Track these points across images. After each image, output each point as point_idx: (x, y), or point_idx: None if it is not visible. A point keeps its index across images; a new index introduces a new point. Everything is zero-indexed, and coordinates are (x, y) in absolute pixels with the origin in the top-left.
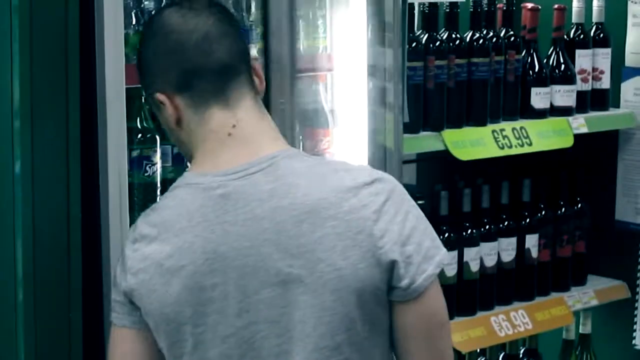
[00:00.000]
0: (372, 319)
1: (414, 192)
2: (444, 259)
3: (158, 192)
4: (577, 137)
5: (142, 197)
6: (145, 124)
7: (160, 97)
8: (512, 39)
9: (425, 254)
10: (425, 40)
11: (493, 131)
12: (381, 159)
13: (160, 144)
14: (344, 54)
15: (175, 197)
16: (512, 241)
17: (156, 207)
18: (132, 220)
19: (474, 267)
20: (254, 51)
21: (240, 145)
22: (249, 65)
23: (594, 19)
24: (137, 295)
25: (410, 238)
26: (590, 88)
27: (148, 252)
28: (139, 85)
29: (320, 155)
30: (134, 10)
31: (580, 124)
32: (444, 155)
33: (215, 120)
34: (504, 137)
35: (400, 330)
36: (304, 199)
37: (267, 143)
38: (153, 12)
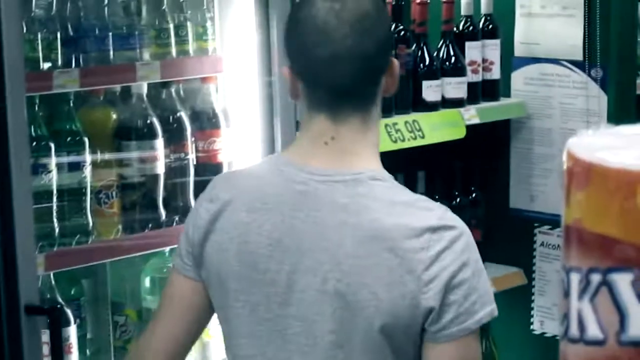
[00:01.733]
0: (399, 352)
1: None
2: (487, 316)
3: (54, 199)
4: (470, 128)
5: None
6: (39, 132)
7: (285, 71)
8: (402, 33)
9: (468, 308)
10: None
11: (386, 125)
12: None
13: (56, 152)
14: (234, 55)
15: (259, 172)
16: None
17: (238, 173)
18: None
19: None
20: (146, 55)
21: (333, 153)
22: (376, 81)
23: (483, 11)
24: (202, 251)
25: (456, 289)
26: (480, 79)
27: (218, 215)
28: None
29: (385, 180)
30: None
31: (471, 115)
32: None
33: (317, 125)
34: (397, 130)
35: None
36: (370, 224)
37: (359, 158)
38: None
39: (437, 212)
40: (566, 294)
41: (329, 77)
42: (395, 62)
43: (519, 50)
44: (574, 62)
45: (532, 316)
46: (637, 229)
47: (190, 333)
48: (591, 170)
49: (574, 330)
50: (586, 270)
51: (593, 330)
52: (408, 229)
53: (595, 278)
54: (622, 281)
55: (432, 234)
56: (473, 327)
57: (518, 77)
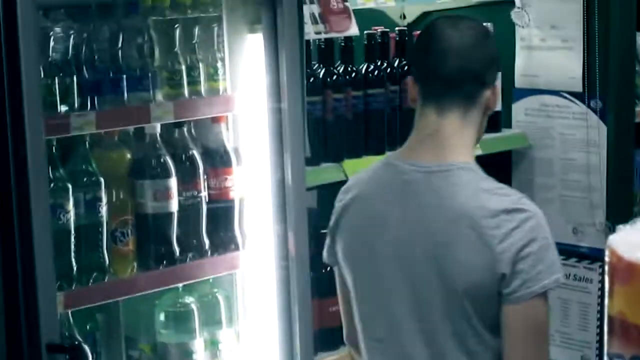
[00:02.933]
0: (482, 311)
1: (318, 221)
2: (551, 283)
3: (72, 238)
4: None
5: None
6: (57, 174)
7: (409, 78)
8: (406, 67)
9: (534, 276)
10: (323, 74)
11: None
12: (283, 194)
13: (73, 193)
14: (244, 94)
15: (375, 169)
16: None
17: (364, 170)
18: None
19: None
20: (159, 96)
21: (434, 147)
22: (478, 85)
23: None
24: (335, 236)
25: (524, 260)
26: None
27: (346, 203)
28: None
29: (472, 170)
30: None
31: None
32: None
33: (425, 119)
34: None
35: (504, 329)
36: (458, 206)
37: (455, 152)
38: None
39: (513, 198)
40: None
41: (440, 71)
42: (498, 87)
43: (519, 82)
44: (573, 94)
45: None
46: None
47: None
48: (633, 269)
49: None
50: (629, 358)
51: None
52: (486, 211)
53: None
54: None
55: (506, 215)
56: (538, 291)
57: (519, 109)
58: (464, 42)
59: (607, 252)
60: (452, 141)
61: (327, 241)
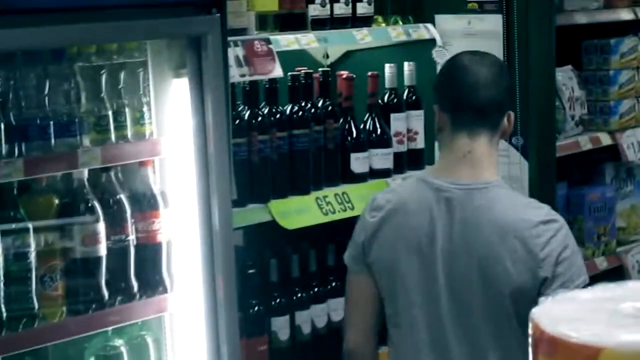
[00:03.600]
0: (520, 314)
1: (246, 261)
2: (582, 283)
3: (1, 285)
4: None
5: None
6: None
7: (435, 107)
8: (330, 108)
9: (569, 277)
10: (248, 116)
11: (317, 198)
12: (210, 236)
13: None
14: (171, 138)
15: (410, 186)
16: (341, 301)
17: (395, 189)
18: None
19: (306, 329)
20: (86, 141)
21: (469, 166)
22: (501, 113)
23: (406, 83)
24: (369, 248)
25: (561, 264)
26: (406, 149)
27: (384, 216)
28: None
29: (505, 187)
30: None
31: (398, 184)
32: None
33: (458, 143)
34: (327, 203)
35: None
36: (500, 219)
37: (487, 172)
38: None
39: (545, 210)
40: None
41: (472, 101)
42: (512, 115)
43: None
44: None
45: None
46: None
47: (374, 316)
48: (557, 344)
49: None
50: None
51: None
52: (527, 222)
53: None
54: None
55: (544, 226)
56: (574, 289)
57: None
58: (490, 76)
59: (530, 325)
60: (483, 162)
61: (354, 251)
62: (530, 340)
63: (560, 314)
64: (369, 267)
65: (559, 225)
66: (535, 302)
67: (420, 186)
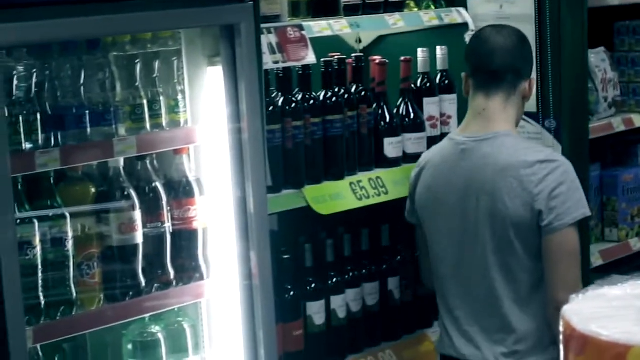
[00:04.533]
0: (525, 242)
1: (281, 246)
2: (579, 215)
3: (39, 273)
4: None
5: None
6: (23, 209)
7: (463, 74)
8: (363, 93)
9: (565, 210)
10: (282, 103)
11: (351, 184)
12: (246, 222)
13: (39, 228)
14: (205, 126)
15: (441, 144)
16: (375, 285)
17: (433, 147)
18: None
19: (341, 313)
20: (122, 130)
21: (483, 122)
22: (517, 77)
23: (439, 67)
24: (413, 199)
25: (556, 198)
26: (439, 133)
27: (420, 170)
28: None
29: (512, 136)
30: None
31: None
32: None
33: (476, 102)
34: (362, 188)
35: (544, 255)
36: (503, 161)
37: (498, 124)
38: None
39: (546, 152)
40: None
41: (488, 66)
42: (533, 80)
43: None
44: (528, 114)
45: None
46: None
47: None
48: (587, 341)
49: None
50: None
51: None
52: (524, 163)
53: None
54: None
55: (540, 165)
56: (570, 222)
57: None
58: (506, 44)
59: (561, 323)
60: (496, 117)
61: (408, 205)
62: (561, 338)
63: (591, 311)
64: (417, 216)
65: (556, 165)
66: (537, 234)
67: (446, 143)
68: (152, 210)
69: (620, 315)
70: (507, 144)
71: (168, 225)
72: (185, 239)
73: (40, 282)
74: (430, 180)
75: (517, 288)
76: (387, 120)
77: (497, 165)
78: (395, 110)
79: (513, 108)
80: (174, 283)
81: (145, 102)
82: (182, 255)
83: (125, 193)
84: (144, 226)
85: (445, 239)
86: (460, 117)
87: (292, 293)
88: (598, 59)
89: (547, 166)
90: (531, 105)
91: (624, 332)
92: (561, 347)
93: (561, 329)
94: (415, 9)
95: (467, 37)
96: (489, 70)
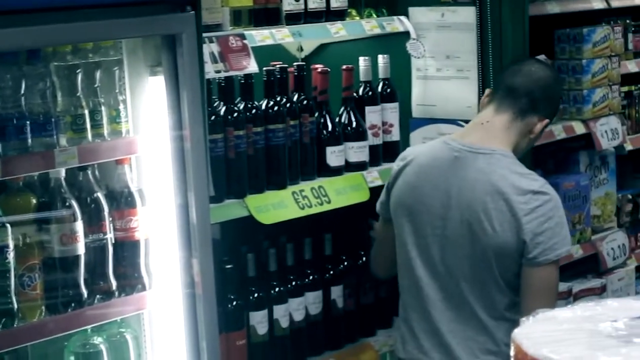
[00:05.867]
0: (502, 265)
1: (223, 256)
2: (563, 252)
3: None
4: (373, 190)
5: None
6: None
7: (488, 90)
8: (305, 102)
9: (551, 246)
10: (224, 112)
11: (293, 193)
12: (188, 232)
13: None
14: (147, 136)
15: (433, 144)
16: (318, 294)
17: (420, 145)
18: None
19: (284, 323)
20: (63, 140)
21: (483, 134)
22: (531, 105)
23: (381, 76)
24: (391, 190)
25: (543, 233)
26: (381, 142)
27: (404, 164)
28: None
29: (509, 157)
30: None
31: (374, 177)
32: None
33: (483, 113)
34: (304, 197)
35: (523, 286)
36: (495, 182)
37: (497, 141)
38: None
39: (539, 183)
40: None
41: (508, 81)
42: (546, 121)
43: (416, 112)
44: (469, 122)
45: None
46: None
47: (392, 253)
48: None
49: None
50: None
51: None
52: (518, 189)
53: None
54: None
55: (533, 195)
56: (553, 258)
57: (416, 138)
58: (537, 72)
59: (512, 346)
60: (497, 133)
61: (382, 197)
62: None
63: (541, 335)
64: (389, 209)
65: (548, 198)
66: (515, 262)
67: (439, 145)
68: (93, 221)
69: (572, 339)
70: (502, 164)
71: (110, 236)
72: (128, 250)
73: None
74: (414, 178)
75: (492, 304)
76: (329, 129)
77: (490, 184)
78: (337, 119)
79: (515, 133)
80: (116, 294)
81: (86, 112)
82: (124, 265)
83: (67, 204)
84: (86, 237)
85: (423, 240)
86: (403, 126)
87: (235, 303)
88: None
89: (539, 198)
90: (472, 113)
91: (576, 357)
92: None
93: (512, 352)
94: (357, 18)
95: (409, 46)
96: (508, 86)
